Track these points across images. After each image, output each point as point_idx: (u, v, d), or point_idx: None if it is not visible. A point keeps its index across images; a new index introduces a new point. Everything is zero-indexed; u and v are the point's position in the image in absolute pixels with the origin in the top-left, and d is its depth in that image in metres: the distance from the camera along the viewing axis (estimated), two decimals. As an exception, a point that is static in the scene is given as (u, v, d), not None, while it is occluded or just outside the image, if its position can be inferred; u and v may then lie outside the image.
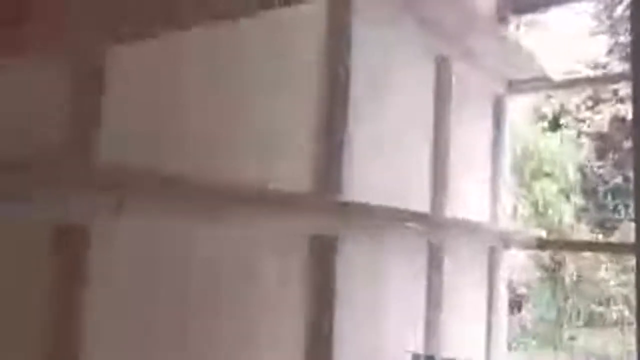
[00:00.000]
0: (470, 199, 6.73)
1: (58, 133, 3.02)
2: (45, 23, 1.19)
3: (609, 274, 12.02)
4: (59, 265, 3.00)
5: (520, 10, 8.20)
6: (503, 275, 7.22)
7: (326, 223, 4.56)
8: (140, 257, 3.37)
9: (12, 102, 2.79)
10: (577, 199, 12.74)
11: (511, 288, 9.77)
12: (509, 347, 8.41)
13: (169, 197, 3.30)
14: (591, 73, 13.38)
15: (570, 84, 9.70)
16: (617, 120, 13.66)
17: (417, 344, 5.74)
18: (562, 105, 13.97)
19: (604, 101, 13.97)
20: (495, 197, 7.25)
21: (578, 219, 12.64)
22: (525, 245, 7.77)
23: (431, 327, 5.89)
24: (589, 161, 13.47)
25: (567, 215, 12.30)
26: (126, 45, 2.20)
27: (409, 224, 5.40)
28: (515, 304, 11.61)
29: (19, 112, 2.83)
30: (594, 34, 14.44)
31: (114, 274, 3.21)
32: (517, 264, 11.82)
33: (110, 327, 3.16)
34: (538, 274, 12.53)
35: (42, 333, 2.94)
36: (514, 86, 7.45)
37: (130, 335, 3.29)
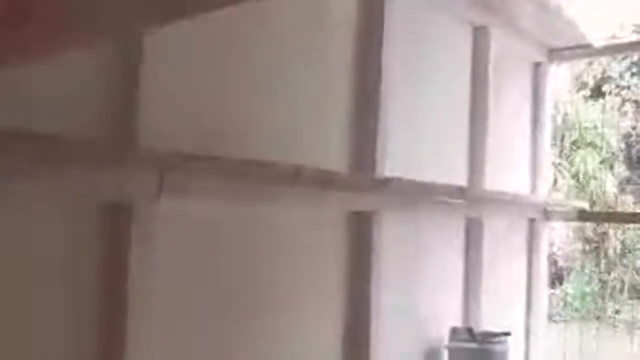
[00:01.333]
0: (509, 171, 6.60)
1: (102, 115, 3.07)
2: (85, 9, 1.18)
3: (654, 245, 11.69)
4: (103, 245, 3.07)
5: (560, -26, 7.87)
6: (544, 247, 7.10)
7: (365, 199, 4.53)
8: (178, 237, 3.41)
9: (62, 88, 2.85)
10: (621, 169, 12.37)
11: (552, 261, 9.60)
12: (550, 320, 8.30)
13: (209, 177, 3.33)
14: (635, 37, 12.81)
15: (613, 49, 9.29)
16: (664, 86, 13.12)
17: (456, 317, 5.72)
18: (604, 72, 13.48)
19: (649, 66, 13.40)
20: (535, 168, 7.09)
21: (622, 189, 12.28)
22: (567, 217, 7.60)
23: (470, 300, 5.85)
24: (633, 129, 13.01)
25: (610, 186, 11.96)
26: (164, 30, 2.22)
27: (447, 199, 5.33)
28: (557, 277, 11.42)
29: (67, 97, 2.90)
30: (639, -6, 13.76)
31: (155, 254, 3.26)
32: (559, 237, 11.59)
33: (150, 307, 3.22)
34: (580, 246, 12.27)
35: (88, 312, 3.02)
36: (555, 54, 7.21)
37: (168, 319, 3.36)
